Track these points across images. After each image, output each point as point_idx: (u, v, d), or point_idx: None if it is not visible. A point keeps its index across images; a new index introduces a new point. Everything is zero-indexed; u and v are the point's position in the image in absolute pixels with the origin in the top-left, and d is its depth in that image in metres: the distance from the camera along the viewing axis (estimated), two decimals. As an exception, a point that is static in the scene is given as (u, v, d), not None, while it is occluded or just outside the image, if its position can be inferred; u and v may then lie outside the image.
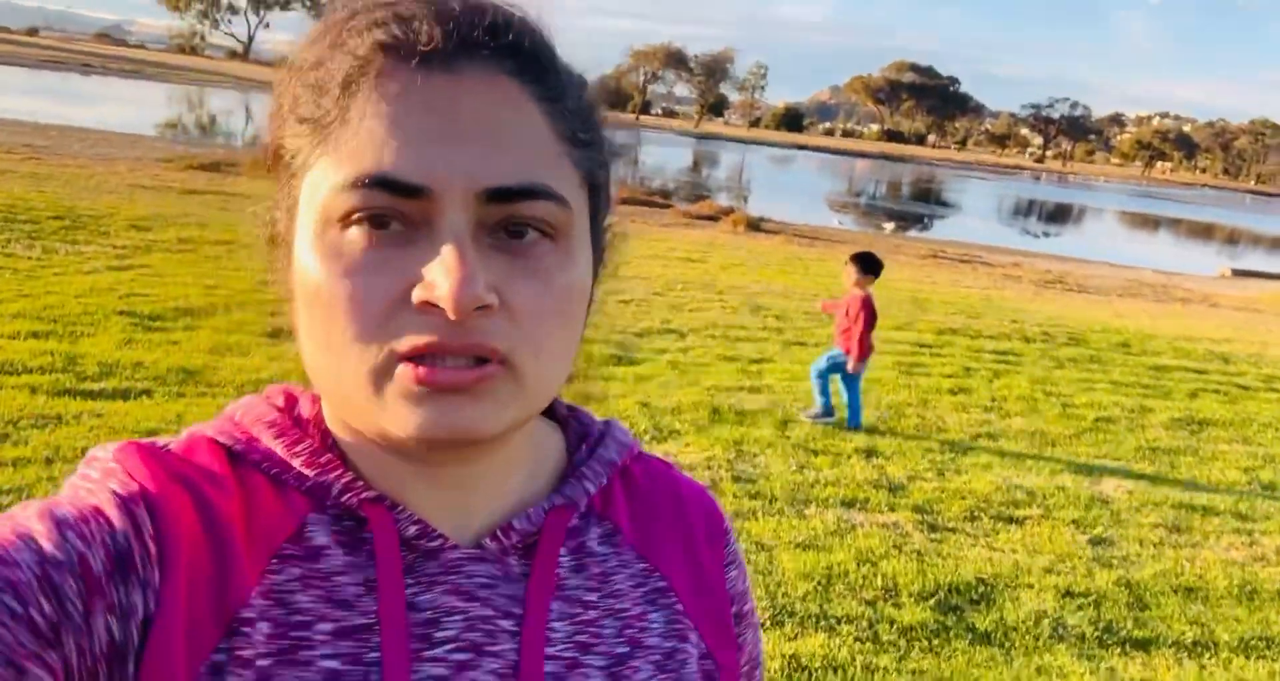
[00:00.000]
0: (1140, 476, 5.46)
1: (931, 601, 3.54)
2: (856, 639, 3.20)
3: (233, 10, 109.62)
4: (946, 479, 5.00)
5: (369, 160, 0.48)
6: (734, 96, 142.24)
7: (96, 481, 0.51)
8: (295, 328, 0.54)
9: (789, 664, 2.99)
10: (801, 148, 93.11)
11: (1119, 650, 3.39)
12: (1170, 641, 3.49)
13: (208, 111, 39.72)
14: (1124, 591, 3.87)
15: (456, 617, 0.54)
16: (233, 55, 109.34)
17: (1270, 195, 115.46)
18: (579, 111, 0.54)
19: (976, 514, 4.56)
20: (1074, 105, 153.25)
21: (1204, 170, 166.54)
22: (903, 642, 3.23)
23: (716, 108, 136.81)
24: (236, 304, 6.76)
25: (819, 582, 3.56)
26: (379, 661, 0.51)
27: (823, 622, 3.28)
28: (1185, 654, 3.42)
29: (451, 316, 0.47)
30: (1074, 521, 4.60)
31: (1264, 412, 7.39)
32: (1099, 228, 38.89)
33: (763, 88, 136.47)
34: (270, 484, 0.55)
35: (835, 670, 3.00)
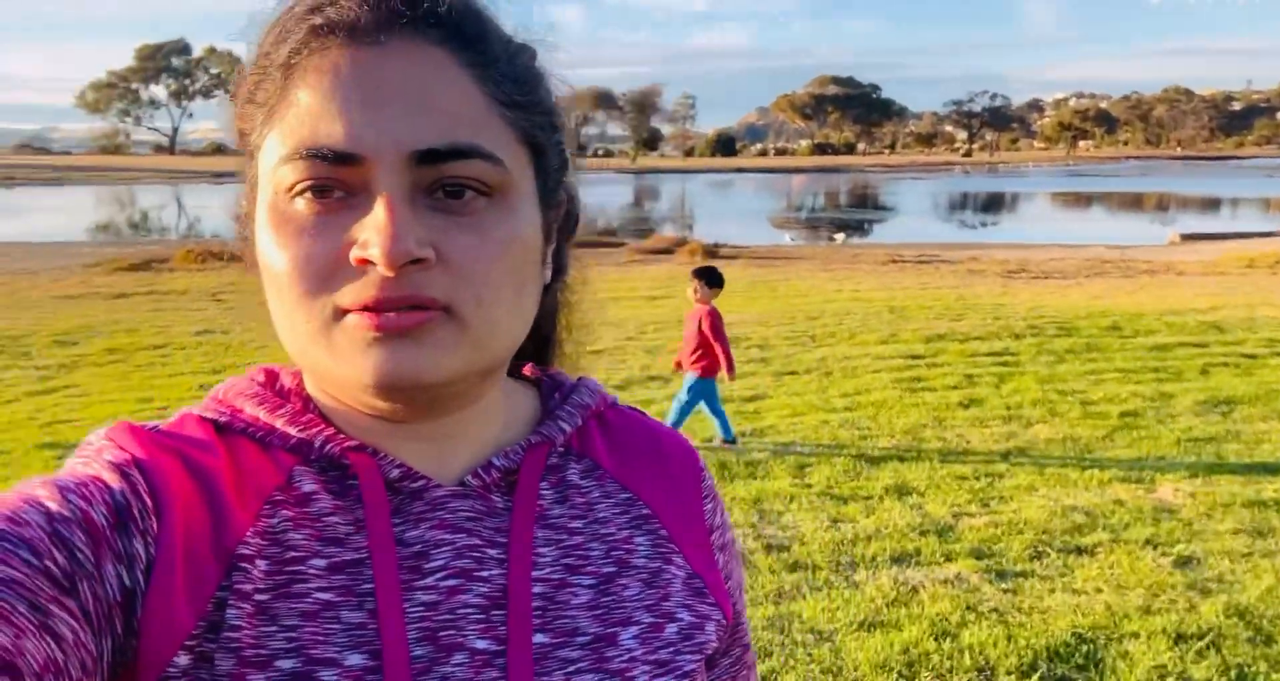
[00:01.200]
0: (1193, 474, 4.97)
1: (1035, 678, 2.97)
2: (966, 746, 2.61)
3: (154, 105, 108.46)
4: (994, 510, 4.46)
5: (304, 133, 0.51)
6: (666, 129, 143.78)
7: (91, 456, 0.54)
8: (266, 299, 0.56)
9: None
10: (739, 170, 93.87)
11: (1267, 706, 2.84)
12: (1321, 685, 2.95)
13: (138, 209, 38.75)
14: (1238, 623, 3.33)
15: (445, 549, 0.56)
16: (158, 149, 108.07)
17: (1197, 159, 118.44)
18: (514, 75, 0.55)
19: (1041, 549, 4.01)
20: (993, 97, 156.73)
21: (1126, 143, 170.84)
22: (1020, 740, 2.65)
23: (651, 142, 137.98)
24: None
25: (900, 674, 2.98)
26: (372, 591, 0.53)
27: (920, 730, 2.70)
28: (1346, 700, 2.88)
29: (385, 271, 0.50)
30: (1148, 541, 4.08)
31: (1283, 381, 6.99)
32: (1039, 211, 39.17)
33: (692, 117, 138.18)
34: (256, 446, 0.57)
35: (952, 795, 2.41)
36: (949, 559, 3.89)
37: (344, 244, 0.51)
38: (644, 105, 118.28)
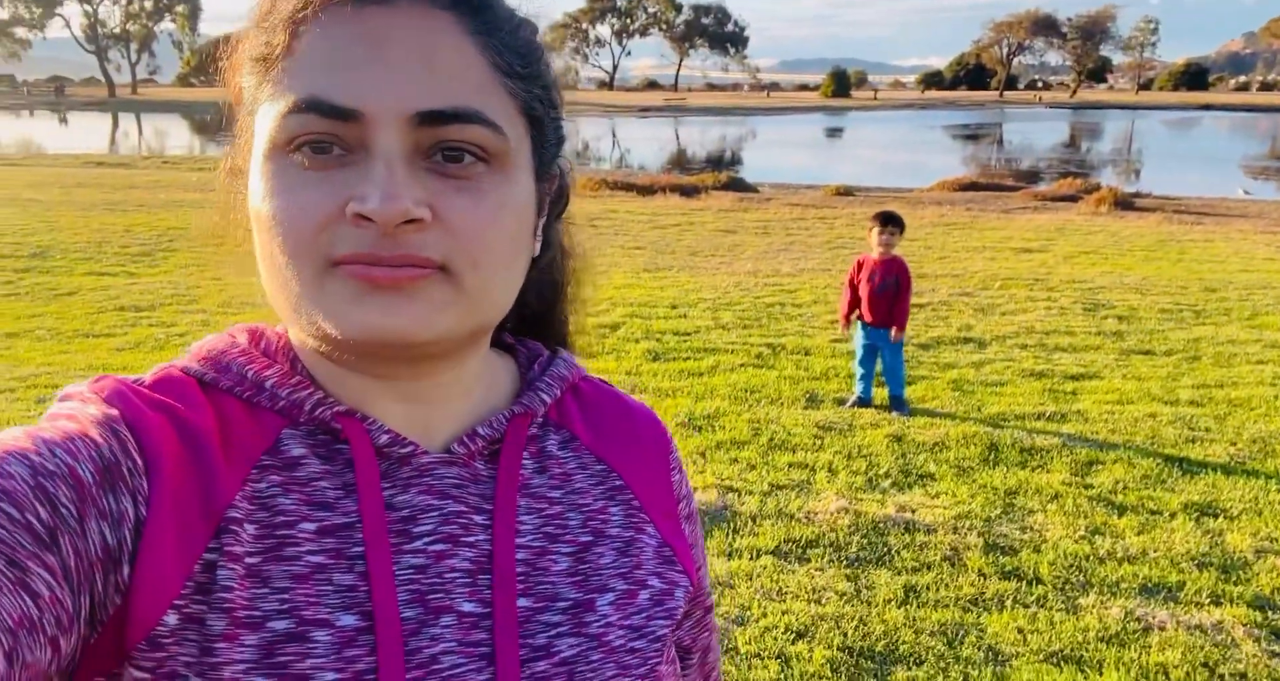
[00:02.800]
0: None
1: (1247, 771, 2.36)
2: None
3: (599, 43, 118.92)
4: (1324, 555, 3.52)
5: (305, 88, 0.51)
6: (1119, 58, 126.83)
7: (75, 409, 0.53)
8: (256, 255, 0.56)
9: None
10: (1206, 108, 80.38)
11: None
12: None
13: (580, 139, 42.97)
14: None
15: (432, 514, 0.57)
16: (601, 85, 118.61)
17: None
18: (516, 47, 0.56)
19: (1365, 616, 3.11)
20: None
21: None
22: None
23: (1096, 73, 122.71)
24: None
25: (1061, 722, 2.53)
26: (362, 554, 0.54)
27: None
28: None
29: (380, 228, 0.50)
30: None
31: None
32: None
33: (1154, 44, 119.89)
34: (243, 406, 0.57)
35: None
36: (1217, 602, 3.17)
37: (340, 199, 0.51)
38: (1092, 32, 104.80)
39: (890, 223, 5.20)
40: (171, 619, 0.50)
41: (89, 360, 5.95)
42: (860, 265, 5.25)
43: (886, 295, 5.11)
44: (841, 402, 5.26)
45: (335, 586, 0.53)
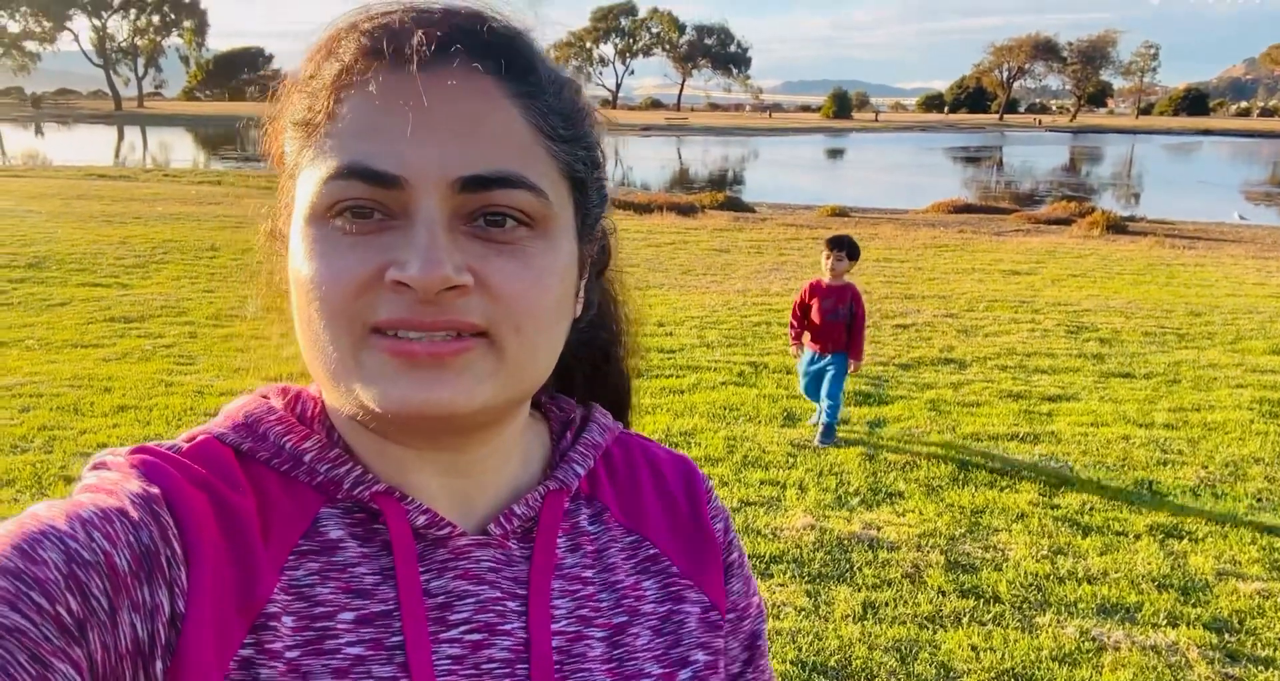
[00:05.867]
0: None
1: (1186, 789, 2.38)
2: None
3: (603, 62, 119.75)
4: (1284, 577, 3.55)
5: (348, 154, 0.51)
6: (1119, 83, 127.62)
7: (115, 482, 0.51)
8: (293, 319, 0.55)
9: None
10: (1205, 133, 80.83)
11: None
12: None
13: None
14: None
15: (468, 601, 0.56)
16: (604, 103, 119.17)
17: None
18: (559, 109, 0.56)
19: (1320, 638, 3.14)
20: None
21: None
22: None
23: (1097, 97, 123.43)
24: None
25: (1006, 739, 2.55)
26: (401, 644, 0.53)
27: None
28: None
29: (420, 295, 0.49)
30: None
31: None
32: None
33: (1154, 70, 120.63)
34: (280, 480, 0.56)
35: None
36: (1175, 624, 3.19)
37: (379, 264, 0.51)
38: (1093, 56, 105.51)
39: (839, 247, 4.96)
40: None
41: (75, 370, 5.99)
42: (812, 289, 5.00)
43: (837, 324, 4.90)
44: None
45: (374, 679, 0.52)
